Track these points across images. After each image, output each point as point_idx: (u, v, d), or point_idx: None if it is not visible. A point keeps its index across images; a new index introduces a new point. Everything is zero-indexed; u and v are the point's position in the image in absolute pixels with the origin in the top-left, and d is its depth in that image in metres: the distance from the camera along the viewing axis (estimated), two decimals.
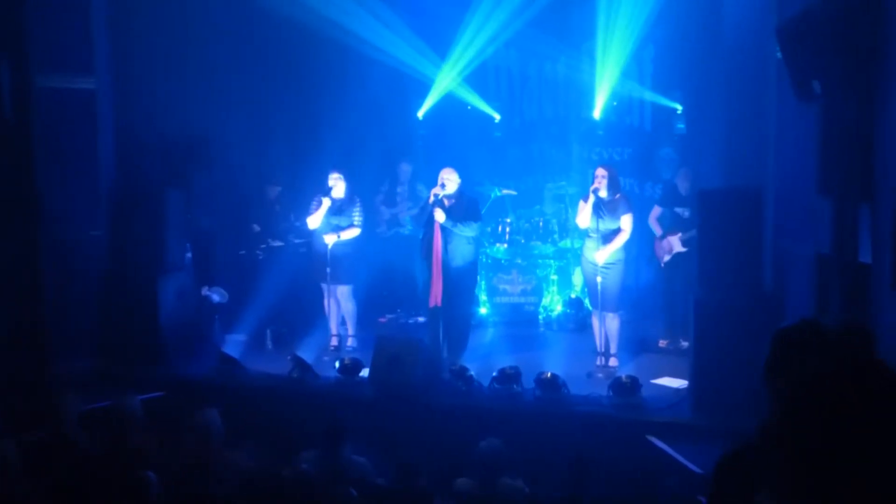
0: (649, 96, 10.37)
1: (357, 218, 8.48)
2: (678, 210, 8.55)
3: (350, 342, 8.70)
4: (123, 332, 8.12)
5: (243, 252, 9.70)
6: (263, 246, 9.60)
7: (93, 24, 8.35)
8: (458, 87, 10.52)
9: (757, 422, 2.58)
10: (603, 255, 7.72)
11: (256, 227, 9.66)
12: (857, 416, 1.64)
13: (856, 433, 1.62)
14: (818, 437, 1.67)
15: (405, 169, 9.97)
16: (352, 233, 8.47)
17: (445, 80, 10.34)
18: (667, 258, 8.59)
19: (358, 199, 8.54)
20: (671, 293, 8.69)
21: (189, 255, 8.92)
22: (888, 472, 1.59)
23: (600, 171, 7.80)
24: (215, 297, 9.06)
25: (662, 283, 8.88)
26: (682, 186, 8.61)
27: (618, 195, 7.85)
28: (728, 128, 7.60)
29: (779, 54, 5.80)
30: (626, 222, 7.77)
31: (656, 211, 8.68)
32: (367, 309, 9.24)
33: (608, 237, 7.77)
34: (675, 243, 8.49)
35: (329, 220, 8.41)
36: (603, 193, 7.75)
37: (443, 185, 7.85)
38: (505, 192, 10.13)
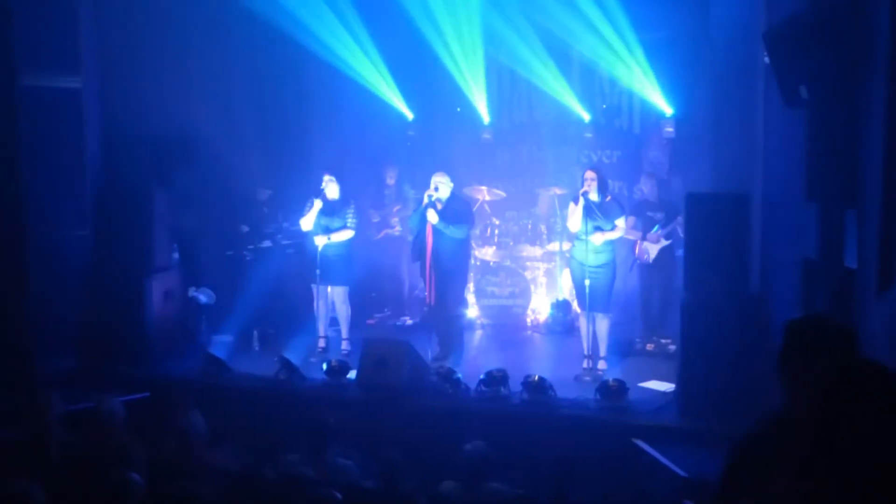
0: (638, 99, 10.37)
1: (350, 220, 8.41)
2: (650, 214, 8.74)
3: (344, 346, 8.56)
4: (108, 332, 8.07)
5: (231, 252, 9.66)
6: (251, 247, 9.56)
7: (79, 23, 8.30)
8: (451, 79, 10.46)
9: (763, 412, 2.64)
10: (599, 238, 7.66)
11: (245, 228, 9.62)
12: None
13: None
14: (848, 426, 1.88)
15: (391, 173, 10.10)
16: (344, 234, 8.38)
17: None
18: (654, 253, 8.64)
19: (352, 201, 8.49)
20: (648, 292, 8.81)
21: (176, 255, 8.88)
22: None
23: (589, 174, 7.79)
24: (202, 298, 9.03)
25: (641, 284, 8.91)
26: (650, 193, 8.85)
27: (608, 197, 7.85)
28: (716, 132, 7.62)
29: (766, 59, 5.80)
30: (621, 223, 7.79)
31: (630, 221, 8.61)
32: (355, 310, 9.21)
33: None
34: (660, 239, 8.61)
35: (320, 222, 8.35)
36: (593, 196, 7.73)
37: (436, 188, 7.86)
38: (495, 192, 10.10)
